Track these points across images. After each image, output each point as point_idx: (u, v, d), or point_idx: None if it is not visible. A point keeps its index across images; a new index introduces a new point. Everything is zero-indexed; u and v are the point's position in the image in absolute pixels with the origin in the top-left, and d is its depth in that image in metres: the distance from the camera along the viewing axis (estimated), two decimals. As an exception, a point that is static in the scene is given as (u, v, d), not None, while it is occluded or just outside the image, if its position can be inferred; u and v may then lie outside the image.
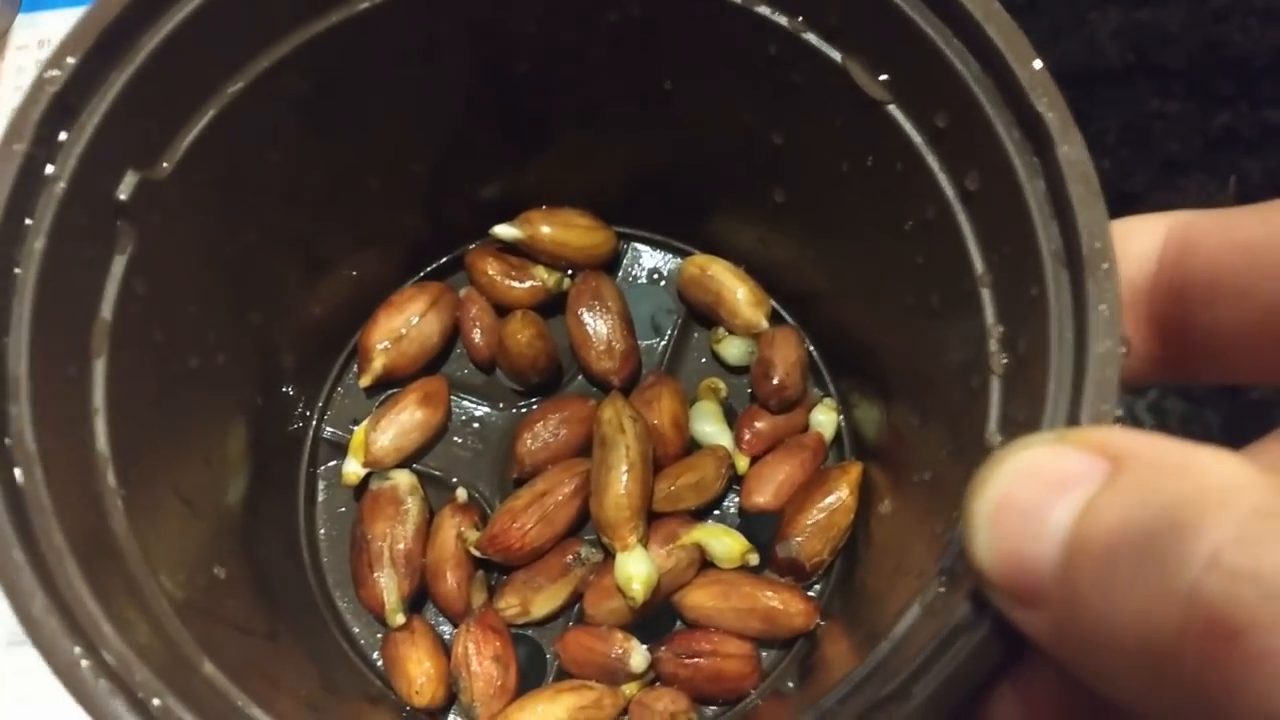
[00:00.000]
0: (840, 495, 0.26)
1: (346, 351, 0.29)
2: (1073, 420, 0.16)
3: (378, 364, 0.28)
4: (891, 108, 0.21)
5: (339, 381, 0.29)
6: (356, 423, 0.28)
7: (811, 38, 0.21)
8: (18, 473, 0.17)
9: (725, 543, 0.26)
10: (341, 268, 0.28)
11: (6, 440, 0.17)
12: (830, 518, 0.26)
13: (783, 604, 0.26)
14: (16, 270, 0.18)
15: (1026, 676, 0.15)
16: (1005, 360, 0.19)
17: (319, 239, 0.26)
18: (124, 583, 0.18)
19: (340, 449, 0.28)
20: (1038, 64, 0.18)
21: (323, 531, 0.28)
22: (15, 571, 0.16)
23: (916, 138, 0.20)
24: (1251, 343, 0.16)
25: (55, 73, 0.18)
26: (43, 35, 0.38)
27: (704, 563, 0.27)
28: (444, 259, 0.30)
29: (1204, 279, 0.17)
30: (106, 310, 0.19)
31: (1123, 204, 0.37)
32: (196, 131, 0.20)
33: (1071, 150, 0.17)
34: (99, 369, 0.19)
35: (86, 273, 0.19)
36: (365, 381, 0.28)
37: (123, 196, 0.19)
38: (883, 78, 0.21)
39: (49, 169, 0.18)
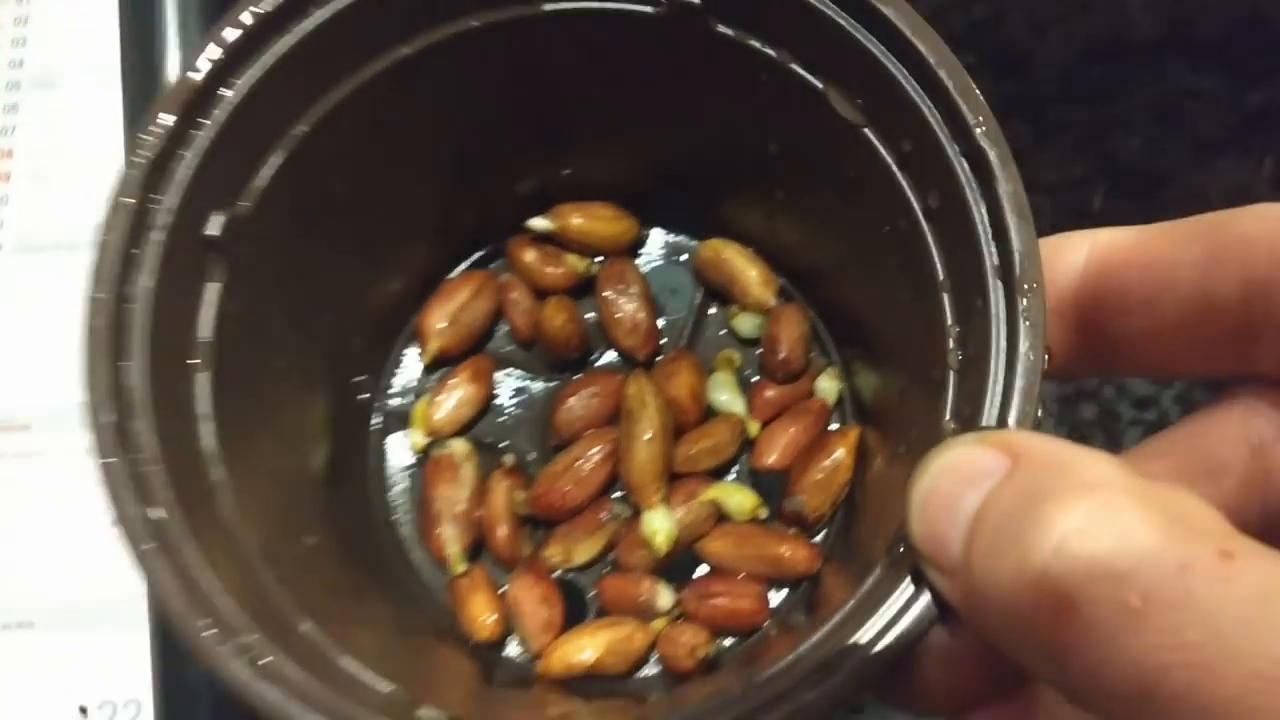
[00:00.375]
0: (839, 456, 0.30)
1: (404, 334, 0.33)
2: (1002, 416, 0.20)
3: (434, 344, 0.32)
4: (867, 130, 0.24)
5: (399, 360, 0.33)
6: (417, 396, 0.32)
7: (796, 67, 0.24)
8: (144, 476, 0.21)
9: (738, 499, 0.30)
10: (398, 263, 0.31)
11: (134, 451, 0.21)
12: (830, 476, 0.30)
13: (789, 551, 0.30)
14: (128, 305, 0.22)
15: (953, 642, 0.19)
16: (959, 357, 0.22)
17: (378, 243, 0.30)
18: (232, 559, 0.22)
19: (403, 420, 0.32)
20: (983, 106, 0.21)
21: (391, 494, 0.32)
22: (150, 560, 0.20)
23: (888, 158, 0.23)
24: (1156, 345, 0.19)
25: (152, 132, 0.22)
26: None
27: (720, 516, 0.30)
28: (486, 249, 0.33)
29: (1117, 291, 0.20)
30: (205, 331, 0.23)
31: (1153, 185, 0.39)
32: (270, 172, 0.24)
33: (1009, 184, 0.20)
34: (202, 381, 0.23)
35: (187, 301, 0.23)
36: (425, 360, 0.32)
37: (212, 233, 0.23)
38: (858, 102, 0.24)
39: (150, 216, 0.22)
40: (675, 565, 0.30)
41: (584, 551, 0.31)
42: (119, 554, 0.32)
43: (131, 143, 0.22)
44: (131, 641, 0.33)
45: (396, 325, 0.33)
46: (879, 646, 0.19)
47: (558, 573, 0.31)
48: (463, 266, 0.33)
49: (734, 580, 0.30)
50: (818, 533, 0.30)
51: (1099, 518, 0.14)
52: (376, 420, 0.32)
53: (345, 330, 0.30)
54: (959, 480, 0.16)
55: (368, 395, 0.32)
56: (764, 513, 0.30)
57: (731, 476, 0.31)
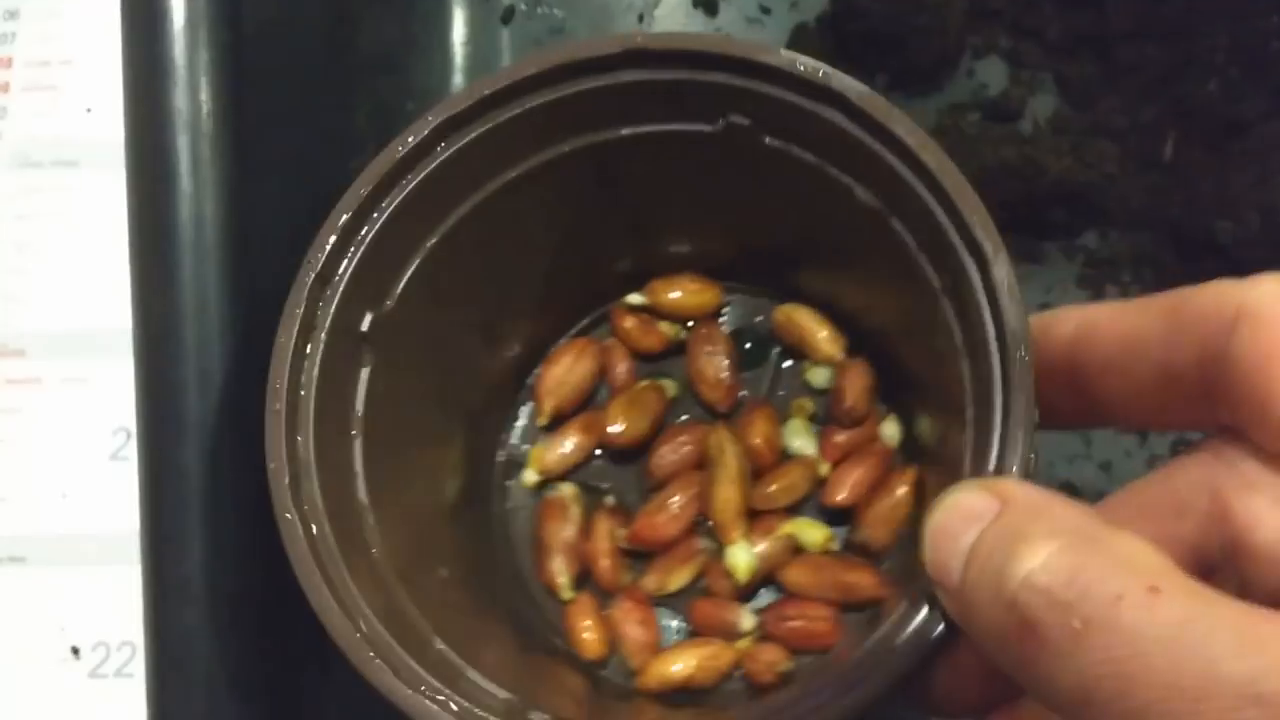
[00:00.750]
0: (901, 493, 0.34)
1: (522, 392, 0.38)
2: (1000, 464, 0.24)
3: (548, 406, 0.37)
4: (893, 220, 0.28)
5: (517, 415, 0.39)
6: (533, 445, 0.38)
7: (830, 169, 0.29)
8: (313, 527, 0.27)
9: (812, 533, 0.34)
10: (514, 334, 0.37)
11: (305, 506, 0.27)
12: (893, 511, 0.34)
13: (858, 579, 0.34)
14: (302, 393, 0.28)
15: (957, 652, 0.23)
16: (972, 413, 0.26)
17: (496, 321, 0.35)
18: (381, 587, 0.28)
19: (521, 466, 0.38)
20: (980, 205, 0.25)
21: (510, 532, 0.37)
22: (317, 591, 0.26)
23: (909, 241, 0.28)
24: (1134, 404, 0.23)
25: (316, 258, 0.28)
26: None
27: (796, 548, 0.35)
28: (590, 317, 0.39)
29: (1099, 358, 0.23)
30: (359, 406, 0.29)
31: (1229, 134, 0.35)
32: (407, 276, 0.30)
33: (1000, 271, 0.24)
34: (357, 446, 0.29)
35: (345, 384, 0.29)
36: (542, 422, 0.37)
37: (364, 329, 0.29)
38: (880, 197, 0.28)
39: (316, 321, 0.28)
40: (756, 590, 0.35)
41: (677, 580, 0.35)
42: (116, 487, 0.33)
43: (305, 266, 0.28)
44: (128, 581, 0.32)
45: (515, 385, 0.38)
46: (901, 660, 0.24)
47: (654, 599, 0.35)
48: (570, 334, 0.39)
49: (810, 604, 0.34)
50: (884, 561, 0.34)
51: (1057, 559, 0.18)
52: (498, 469, 0.38)
53: (470, 394, 0.36)
54: (960, 519, 0.20)
55: (490, 448, 0.38)
56: (835, 544, 0.34)
57: (806, 512, 0.36)
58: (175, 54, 0.31)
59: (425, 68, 0.39)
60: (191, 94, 0.31)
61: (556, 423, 0.38)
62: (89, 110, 0.37)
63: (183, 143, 0.31)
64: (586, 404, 0.38)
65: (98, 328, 0.36)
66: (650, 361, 0.38)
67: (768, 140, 0.29)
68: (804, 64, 0.26)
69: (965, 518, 0.20)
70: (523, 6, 0.41)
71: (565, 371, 0.37)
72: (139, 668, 0.31)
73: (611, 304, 0.38)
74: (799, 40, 0.38)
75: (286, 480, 0.26)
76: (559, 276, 0.36)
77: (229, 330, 0.31)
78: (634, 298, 0.37)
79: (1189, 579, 0.17)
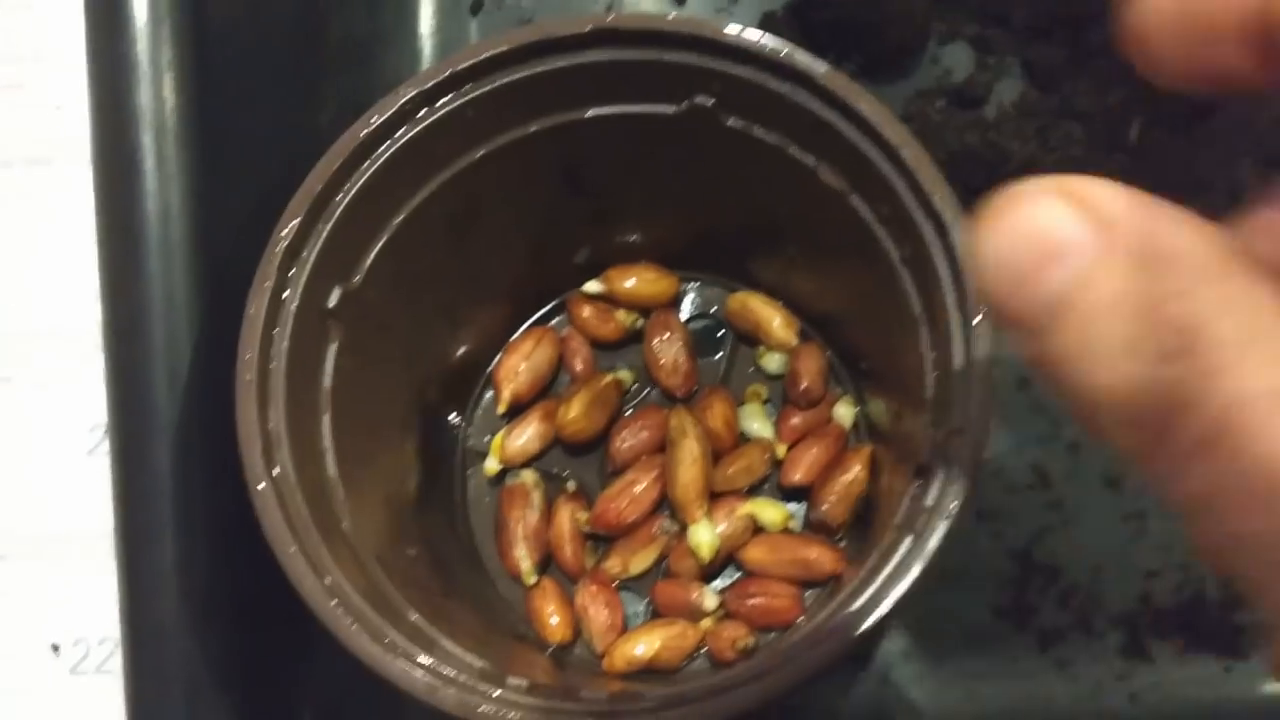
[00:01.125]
0: (856, 471, 0.34)
1: (481, 381, 0.39)
2: (963, 416, 0.25)
3: (507, 393, 0.37)
4: (853, 197, 0.29)
5: (477, 405, 0.39)
6: (493, 435, 0.38)
7: (792, 151, 0.30)
8: (286, 499, 0.27)
9: (771, 512, 0.35)
10: (473, 322, 0.37)
11: (278, 477, 0.27)
12: (848, 489, 0.34)
13: (817, 555, 0.34)
14: (272, 364, 0.28)
15: None
16: (934, 376, 0.27)
17: (459, 305, 0.35)
18: (355, 561, 0.28)
19: (482, 455, 0.38)
20: (939, 176, 0.26)
21: (473, 519, 0.37)
22: (293, 561, 0.26)
23: (870, 218, 0.29)
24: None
25: (286, 231, 0.28)
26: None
27: (756, 528, 0.35)
28: (547, 307, 0.39)
29: None
30: (326, 381, 0.29)
31: (1195, 116, 0.34)
32: (375, 253, 0.30)
33: (959, 236, 0.25)
34: (325, 422, 0.29)
35: (313, 359, 0.29)
36: (501, 409, 0.37)
37: (331, 305, 0.29)
38: (843, 176, 0.29)
39: (285, 294, 0.28)
40: (719, 571, 0.35)
41: (640, 562, 0.36)
42: (94, 484, 0.33)
43: (274, 241, 0.28)
44: (107, 577, 0.32)
45: (474, 374, 0.39)
46: (871, 614, 0.24)
47: (617, 581, 0.36)
48: (528, 324, 0.39)
49: (770, 582, 0.35)
50: (841, 538, 0.35)
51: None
52: (459, 457, 0.38)
53: (432, 380, 0.36)
54: (1038, 254, 0.14)
55: (450, 431, 0.38)
56: (794, 523, 0.35)
57: (764, 493, 0.36)
58: (138, 51, 0.31)
59: (393, 60, 0.40)
60: (156, 90, 0.31)
61: (516, 411, 0.38)
62: (58, 107, 0.37)
63: (148, 140, 0.31)
64: (546, 392, 0.38)
65: (73, 325, 0.36)
66: (608, 350, 0.39)
67: (730, 122, 0.30)
68: (770, 43, 0.27)
69: (1045, 253, 0.14)
70: None
71: (523, 359, 0.38)
72: (119, 664, 0.31)
73: (569, 293, 0.39)
74: (766, 28, 0.38)
75: (259, 451, 0.26)
76: (520, 264, 0.36)
77: (197, 325, 0.31)
78: (591, 286, 0.38)
79: None
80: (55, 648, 0.32)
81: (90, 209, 0.33)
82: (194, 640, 0.30)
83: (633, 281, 0.38)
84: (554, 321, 0.39)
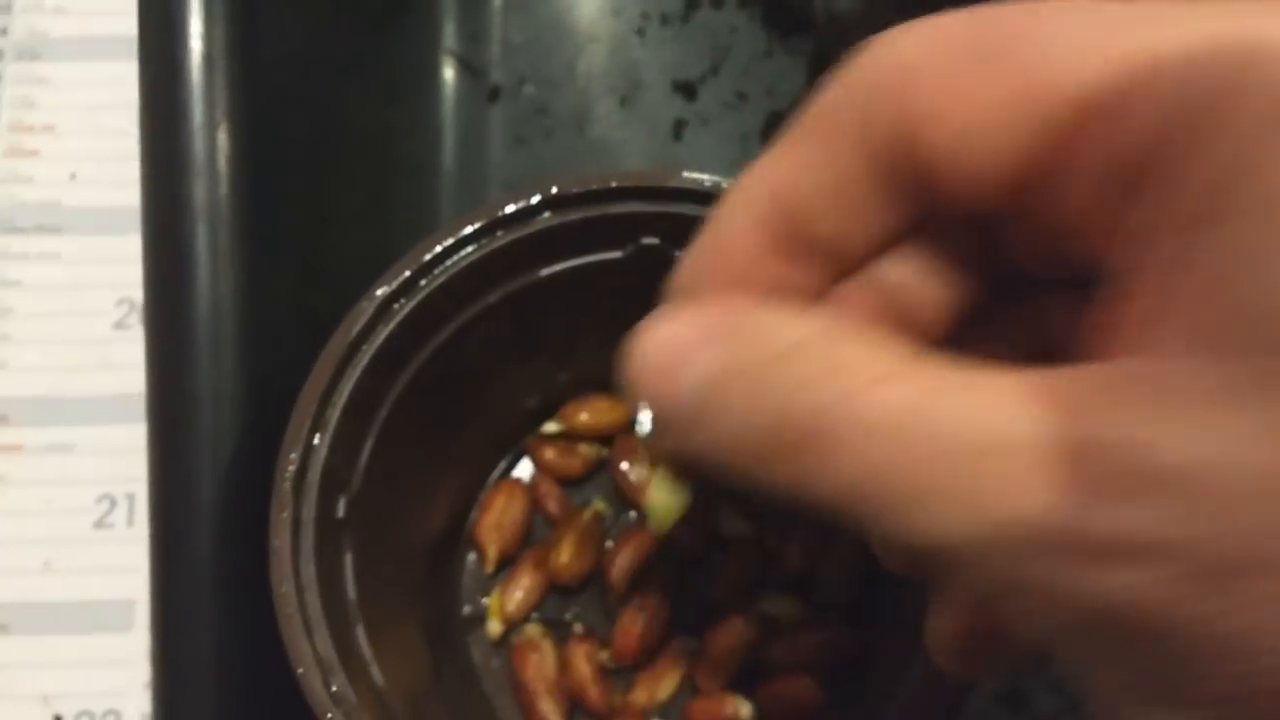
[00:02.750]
0: (851, 543, 0.36)
1: (458, 547, 0.39)
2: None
3: (493, 552, 0.37)
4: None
5: (460, 571, 0.39)
6: (485, 596, 0.38)
7: None
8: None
9: (785, 607, 0.36)
10: (444, 493, 0.37)
11: (340, 704, 0.26)
12: (850, 561, 0.36)
13: (832, 638, 0.36)
14: (305, 592, 0.27)
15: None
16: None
17: (432, 481, 0.35)
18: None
19: (478, 620, 0.38)
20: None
21: (485, 684, 0.37)
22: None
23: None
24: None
25: (294, 456, 0.28)
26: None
27: (773, 627, 0.36)
28: (509, 458, 0.39)
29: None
30: (351, 593, 0.29)
31: None
32: (367, 454, 0.30)
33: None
34: (360, 634, 0.29)
35: (337, 574, 0.29)
36: (490, 569, 0.37)
37: (340, 515, 0.29)
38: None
39: (301, 518, 0.28)
40: (743, 678, 0.36)
41: (666, 688, 0.36)
42: (100, 555, 0.34)
43: (282, 464, 0.28)
44: (112, 650, 0.32)
45: (449, 542, 0.39)
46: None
47: (648, 713, 0.36)
48: (493, 478, 0.39)
49: (795, 678, 0.36)
50: (856, 609, 0.37)
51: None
52: (458, 628, 0.38)
53: (415, 560, 0.36)
54: (674, 350, 0.18)
55: (444, 608, 0.38)
56: (807, 610, 0.36)
57: (768, 589, 0.38)
58: (195, 147, 0.32)
59: (417, 146, 0.40)
60: (211, 185, 0.32)
61: (503, 567, 0.38)
62: (72, 176, 0.38)
63: (201, 232, 0.32)
64: (527, 541, 0.39)
65: (82, 394, 0.36)
66: (576, 485, 0.39)
67: (677, 254, 0.32)
68: (709, 181, 0.29)
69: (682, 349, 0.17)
70: (507, 87, 0.42)
71: (500, 516, 0.38)
72: None
73: (525, 441, 0.39)
74: (773, 127, 0.40)
75: (319, 682, 0.26)
76: (481, 425, 0.37)
77: (244, 418, 0.32)
78: (550, 427, 0.38)
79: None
80: None
81: (102, 278, 0.36)
82: None
83: (588, 415, 0.39)
84: (514, 471, 0.40)
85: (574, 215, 0.30)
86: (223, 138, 0.32)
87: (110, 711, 0.32)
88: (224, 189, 0.32)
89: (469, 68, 0.43)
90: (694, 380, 0.17)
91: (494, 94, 0.43)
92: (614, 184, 0.30)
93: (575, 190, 0.30)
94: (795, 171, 0.18)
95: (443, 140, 0.41)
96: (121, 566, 0.36)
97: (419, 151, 0.41)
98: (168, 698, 0.31)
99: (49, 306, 0.40)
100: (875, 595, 0.36)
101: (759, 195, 0.19)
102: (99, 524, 0.36)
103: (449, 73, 0.43)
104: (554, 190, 0.29)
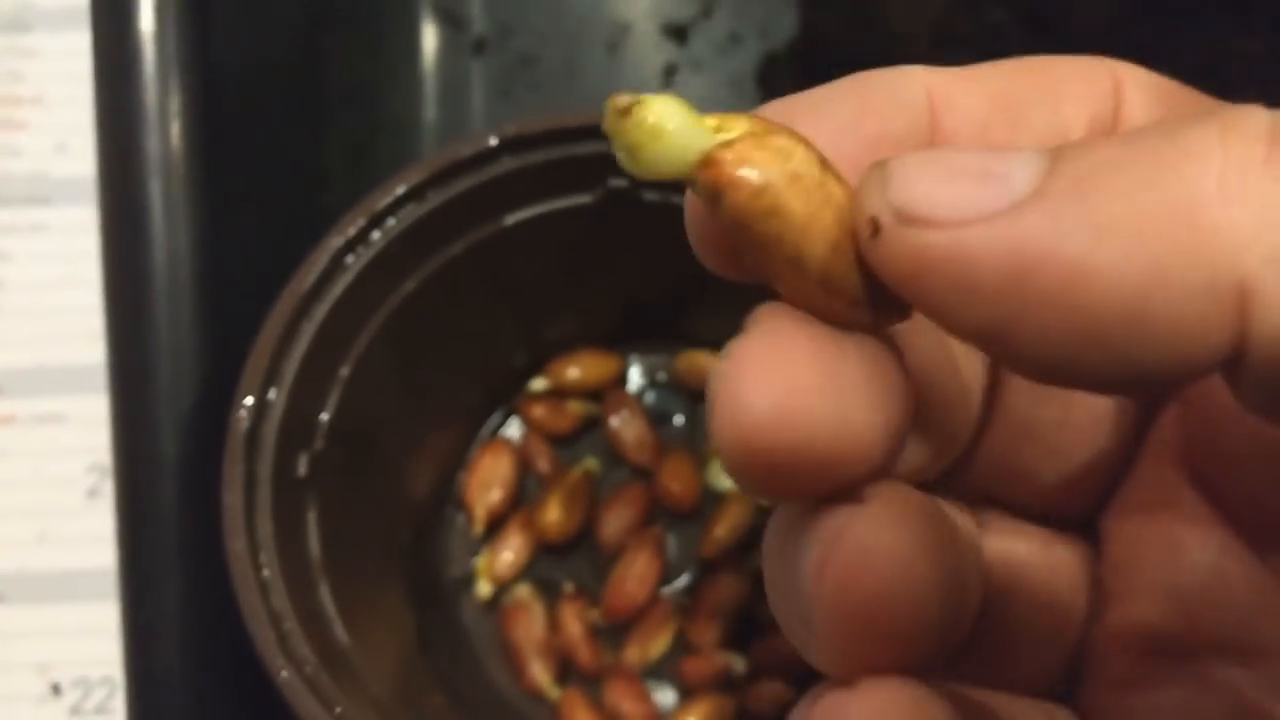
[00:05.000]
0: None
1: (444, 509, 0.38)
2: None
3: (481, 512, 0.37)
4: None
5: (446, 533, 0.38)
6: (473, 558, 0.37)
7: None
8: (308, 674, 0.26)
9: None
10: (427, 452, 0.36)
11: (295, 659, 0.26)
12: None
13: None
14: (261, 551, 0.27)
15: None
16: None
17: (412, 439, 0.35)
18: (386, 716, 0.27)
19: (466, 582, 0.37)
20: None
21: (477, 647, 0.36)
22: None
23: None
24: None
25: (244, 411, 0.27)
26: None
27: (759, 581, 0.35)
28: (498, 415, 0.39)
29: (970, 136, 0.15)
30: (315, 551, 0.28)
31: None
32: (331, 409, 0.29)
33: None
34: (324, 591, 0.28)
35: (298, 533, 0.28)
36: (479, 529, 0.37)
37: (302, 473, 0.28)
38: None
39: (256, 474, 0.27)
40: (738, 634, 0.35)
41: (659, 645, 0.35)
42: (93, 524, 0.33)
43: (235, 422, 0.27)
44: (107, 617, 0.32)
45: (436, 504, 0.38)
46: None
47: (642, 672, 0.35)
48: (478, 440, 0.39)
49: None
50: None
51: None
52: (446, 589, 0.37)
53: (399, 520, 0.35)
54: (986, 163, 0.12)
55: (435, 570, 0.37)
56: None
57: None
58: (147, 98, 0.31)
59: (396, 100, 0.39)
60: (163, 136, 0.31)
61: (493, 528, 0.37)
62: (60, 147, 0.38)
63: (155, 185, 0.31)
64: (517, 502, 0.38)
65: (72, 364, 0.36)
66: (567, 444, 0.38)
67: (647, 197, 0.30)
68: (674, 115, 0.28)
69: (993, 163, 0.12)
70: (494, 39, 0.41)
71: (488, 476, 0.37)
72: (119, 704, 0.31)
73: (514, 400, 0.38)
74: (769, 68, 0.39)
75: (274, 641, 0.25)
76: (462, 382, 0.36)
77: (202, 370, 0.31)
78: (538, 384, 0.37)
79: None
80: (55, 688, 0.32)
81: (91, 248, 0.34)
82: (195, 686, 0.30)
83: (576, 370, 0.38)
84: (503, 430, 0.39)
85: (536, 157, 0.29)
86: (176, 89, 0.31)
87: (105, 679, 0.32)
88: (176, 141, 0.31)
89: (451, 19, 0.42)
90: (1031, 172, 0.11)
91: (478, 46, 0.42)
92: (576, 122, 0.28)
93: (535, 129, 0.28)
94: None
95: (423, 93, 0.40)
96: (114, 535, 0.35)
97: (398, 105, 0.40)
98: (135, 661, 0.30)
99: (39, 278, 0.40)
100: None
101: None
102: (91, 493, 0.36)
103: (429, 24, 0.42)
104: (513, 131, 0.28)
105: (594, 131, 0.29)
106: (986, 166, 0.11)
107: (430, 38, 0.42)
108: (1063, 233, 0.11)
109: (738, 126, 0.12)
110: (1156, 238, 0.11)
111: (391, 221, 0.28)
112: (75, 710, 0.32)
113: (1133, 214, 0.11)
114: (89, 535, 0.35)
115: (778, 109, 0.14)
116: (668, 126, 0.12)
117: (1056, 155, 0.11)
